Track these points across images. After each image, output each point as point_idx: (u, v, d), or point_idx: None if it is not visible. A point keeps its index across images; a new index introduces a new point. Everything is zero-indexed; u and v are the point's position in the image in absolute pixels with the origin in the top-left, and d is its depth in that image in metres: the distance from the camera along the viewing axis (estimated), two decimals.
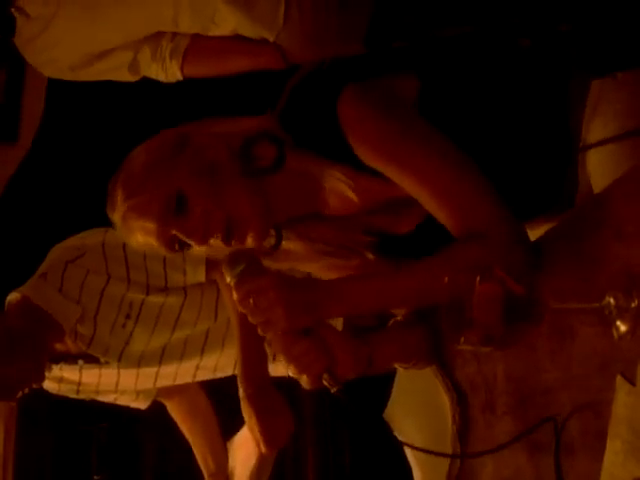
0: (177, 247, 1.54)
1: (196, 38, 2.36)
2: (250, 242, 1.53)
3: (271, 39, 2.29)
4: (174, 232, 1.53)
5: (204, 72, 2.41)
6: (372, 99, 1.54)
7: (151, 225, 1.53)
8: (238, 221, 1.51)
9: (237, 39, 2.33)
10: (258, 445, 2.02)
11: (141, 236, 1.55)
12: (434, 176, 1.50)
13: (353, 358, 1.49)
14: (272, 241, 1.59)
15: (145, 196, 1.53)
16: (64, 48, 2.38)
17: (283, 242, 1.60)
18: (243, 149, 1.54)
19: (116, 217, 1.57)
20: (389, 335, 1.64)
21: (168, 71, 2.39)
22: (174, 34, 2.35)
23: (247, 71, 2.38)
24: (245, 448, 2.50)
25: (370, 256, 1.65)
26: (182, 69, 2.38)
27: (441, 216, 1.51)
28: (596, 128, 1.60)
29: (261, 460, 2.39)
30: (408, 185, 1.52)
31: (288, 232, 1.61)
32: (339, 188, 1.58)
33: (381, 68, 1.62)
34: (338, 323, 2.19)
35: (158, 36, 2.36)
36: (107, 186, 1.58)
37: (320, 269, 1.73)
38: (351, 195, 1.58)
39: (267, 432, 1.98)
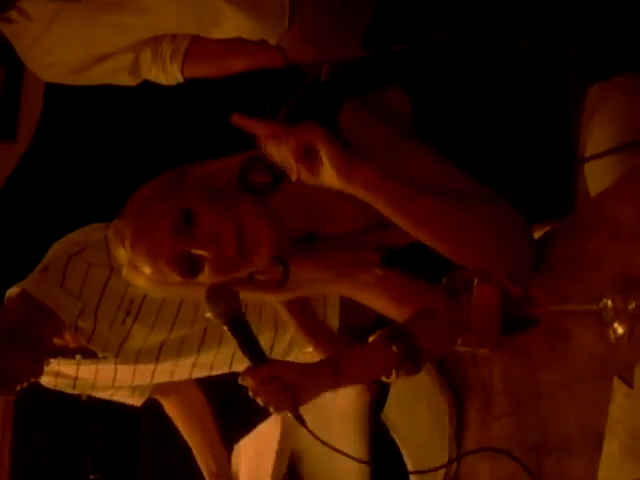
0: (188, 269, 1.53)
1: (196, 39, 2.35)
2: (263, 253, 1.54)
3: (273, 42, 2.29)
4: (186, 249, 1.52)
5: (204, 73, 2.41)
6: (371, 112, 1.58)
7: (161, 246, 1.53)
8: (248, 231, 1.53)
9: (237, 40, 2.33)
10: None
11: (150, 266, 1.55)
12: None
13: (315, 384, 1.60)
14: (280, 274, 1.60)
15: (152, 216, 1.54)
16: (65, 51, 2.37)
17: (290, 273, 1.61)
18: (240, 175, 1.57)
19: (122, 252, 1.57)
20: (355, 353, 1.68)
21: (168, 73, 2.39)
22: (174, 35, 2.35)
23: (247, 71, 2.38)
24: (251, 450, 2.50)
25: (379, 272, 1.66)
26: (182, 71, 2.38)
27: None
28: (594, 137, 1.60)
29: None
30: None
31: (294, 263, 1.62)
32: (341, 203, 1.59)
33: (377, 79, 1.64)
34: (333, 324, 2.20)
35: (158, 37, 2.36)
36: (110, 206, 1.59)
37: (331, 289, 1.83)
38: (353, 210, 1.59)
39: None
